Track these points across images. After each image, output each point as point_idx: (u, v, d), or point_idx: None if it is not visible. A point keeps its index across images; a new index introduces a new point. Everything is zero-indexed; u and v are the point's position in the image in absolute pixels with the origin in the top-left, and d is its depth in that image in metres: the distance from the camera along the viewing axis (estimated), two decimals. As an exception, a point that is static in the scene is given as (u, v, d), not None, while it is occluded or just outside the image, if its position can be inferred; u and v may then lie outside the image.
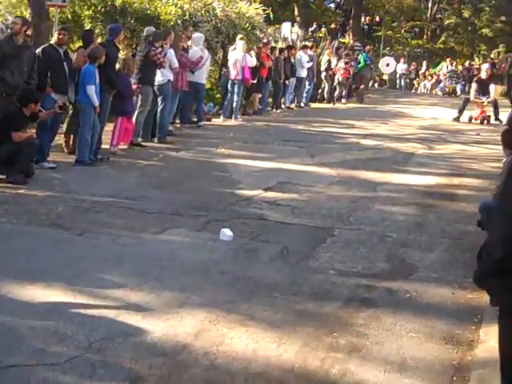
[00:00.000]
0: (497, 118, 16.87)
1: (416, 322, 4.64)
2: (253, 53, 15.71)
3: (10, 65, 8.65)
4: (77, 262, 5.45)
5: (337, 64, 21.25)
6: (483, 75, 17.79)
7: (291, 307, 4.80)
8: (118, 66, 10.46)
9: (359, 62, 23.08)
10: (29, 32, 10.14)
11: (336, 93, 21.17)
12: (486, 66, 19.27)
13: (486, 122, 17.05)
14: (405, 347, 4.23)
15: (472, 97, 17.53)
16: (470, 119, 17.34)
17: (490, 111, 17.21)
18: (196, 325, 4.38)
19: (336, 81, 21.21)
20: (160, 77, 11.46)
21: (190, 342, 4.12)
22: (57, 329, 4.16)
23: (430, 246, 6.37)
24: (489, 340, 4.24)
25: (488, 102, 17.23)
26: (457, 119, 17.39)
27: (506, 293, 2.84)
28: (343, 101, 21.26)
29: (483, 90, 17.44)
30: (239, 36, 15.66)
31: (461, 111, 17.45)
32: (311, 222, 7.05)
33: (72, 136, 10.10)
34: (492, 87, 18.04)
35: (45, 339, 4.00)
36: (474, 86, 17.91)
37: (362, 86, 22.68)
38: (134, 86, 10.75)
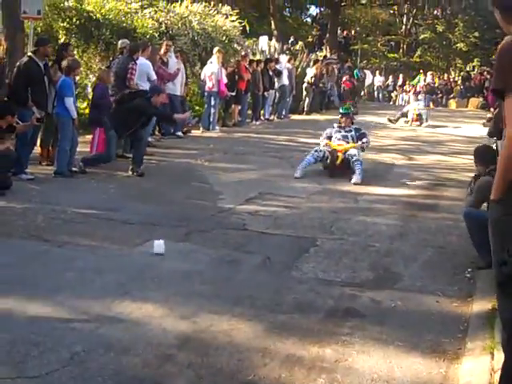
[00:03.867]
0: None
1: (402, 330, 4.61)
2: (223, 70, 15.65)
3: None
4: (57, 274, 5.35)
5: (321, 77, 21.93)
6: None
7: (275, 317, 4.74)
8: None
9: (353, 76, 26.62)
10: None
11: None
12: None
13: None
14: (391, 356, 4.19)
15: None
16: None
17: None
18: (179, 336, 4.31)
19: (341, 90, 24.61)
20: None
21: (173, 353, 4.05)
22: (37, 342, 4.05)
23: (413, 256, 6.35)
24: (475, 348, 4.22)
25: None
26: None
27: None
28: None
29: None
30: (216, 49, 15.67)
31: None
32: (293, 232, 7.01)
33: (50, 148, 10.01)
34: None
35: (25, 352, 3.90)
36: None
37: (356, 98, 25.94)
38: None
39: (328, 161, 10.27)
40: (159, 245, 6.01)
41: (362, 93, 30.64)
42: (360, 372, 3.96)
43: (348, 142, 10.60)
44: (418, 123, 19.22)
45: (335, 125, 11.22)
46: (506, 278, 3.09)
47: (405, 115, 19.80)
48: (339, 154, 10.18)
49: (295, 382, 3.79)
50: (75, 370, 3.74)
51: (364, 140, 10.78)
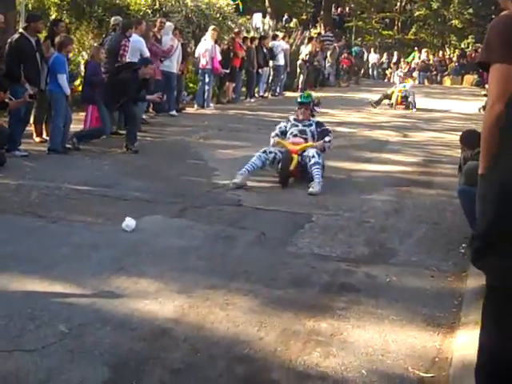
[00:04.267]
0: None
1: (397, 305, 4.63)
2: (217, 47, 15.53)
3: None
4: (52, 250, 5.35)
5: (316, 54, 21.95)
6: None
7: (271, 292, 4.75)
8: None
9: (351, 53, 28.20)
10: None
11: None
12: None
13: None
14: (386, 330, 4.21)
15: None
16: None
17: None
18: (176, 310, 4.32)
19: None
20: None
21: (170, 327, 4.06)
22: (33, 316, 4.06)
23: (408, 231, 6.37)
24: (469, 322, 4.24)
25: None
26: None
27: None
28: (346, 84, 26.14)
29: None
30: (211, 27, 15.56)
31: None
32: (288, 208, 7.01)
33: (44, 125, 9.97)
34: None
35: (22, 326, 3.91)
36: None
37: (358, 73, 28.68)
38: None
39: (280, 165, 8.14)
40: (129, 223, 5.96)
41: (363, 71, 30.67)
42: (355, 346, 3.98)
43: (306, 139, 8.52)
44: (402, 107, 17.46)
45: (291, 117, 8.98)
46: (475, 254, 3.07)
47: (388, 97, 17.83)
48: (294, 156, 8.08)
49: (291, 355, 3.81)
50: (71, 343, 3.75)
51: (326, 139, 8.59)
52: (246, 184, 7.78)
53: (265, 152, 8.15)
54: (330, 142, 8.65)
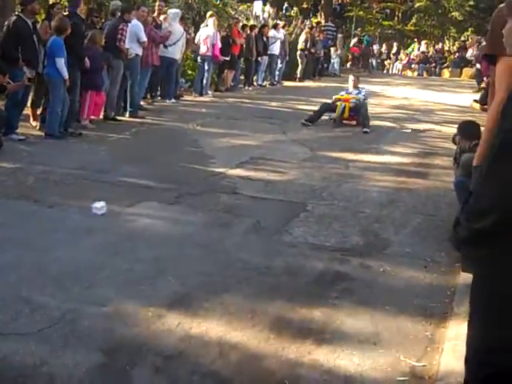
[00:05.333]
0: None
1: (390, 295, 4.65)
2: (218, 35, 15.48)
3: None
4: (47, 235, 5.37)
5: (315, 43, 21.96)
6: None
7: (265, 280, 4.78)
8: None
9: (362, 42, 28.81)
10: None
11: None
12: None
13: None
14: (379, 319, 4.24)
15: None
16: None
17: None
18: (170, 296, 4.34)
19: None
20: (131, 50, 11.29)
21: (164, 313, 4.08)
22: (28, 300, 4.08)
23: (403, 222, 6.38)
24: (461, 313, 4.26)
25: None
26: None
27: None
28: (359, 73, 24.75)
29: None
30: (209, 13, 15.51)
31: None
32: (284, 196, 7.03)
33: (41, 109, 9.95)
34: None
35: (16, 310, 3.93)
36: None
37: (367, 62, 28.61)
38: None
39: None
40: (99, 206, 5.99)
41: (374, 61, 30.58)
42: (348, 334, 4.01)
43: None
44: (352, 122, 12.10)
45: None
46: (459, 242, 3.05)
47: (330, 109, 12.15)
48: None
49: (283, 343, 3.84)
50: (66, 327, 3.78)
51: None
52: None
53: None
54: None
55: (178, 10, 14.09)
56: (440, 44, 33.34)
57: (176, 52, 13.52)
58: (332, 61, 24.96)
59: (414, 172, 8.71)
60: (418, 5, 39.13)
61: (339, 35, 25.18)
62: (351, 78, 12.95)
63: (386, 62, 31.35)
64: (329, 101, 12.42)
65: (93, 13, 11.52)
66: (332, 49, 25.14)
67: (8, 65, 8.66)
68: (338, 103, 12.04)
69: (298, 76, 21.16)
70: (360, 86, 12.88)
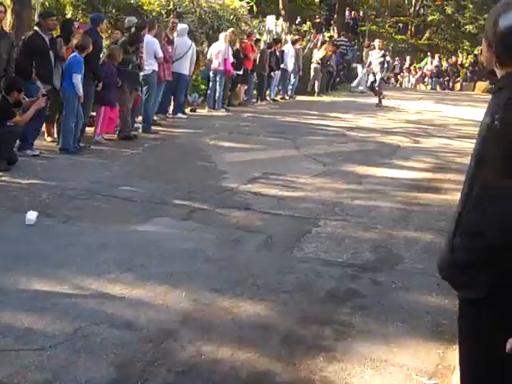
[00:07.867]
0: None
1: (402, 311, 4.65)
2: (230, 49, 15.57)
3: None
4: (61, 250, 5.41)
5: (329, 58, 22.02)
6: None
7: (276, 296, 4.78)
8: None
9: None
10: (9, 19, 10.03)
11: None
12: None
13: None
14: (391, 336, 4.24)
15: None
16: None
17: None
18: (182, 312, 4.36)
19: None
20: (145, 67, 11.39)
21: (175, 329, 4.10)
22: (41, 315, 4.12)
23: (415, 238, 6.38)
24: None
25: None
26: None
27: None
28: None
29: None
30: (231, 29, 15.59)
31: None
32: (296, 212, 7.04)
33: (55, 124, 10.03)
34: None
35: (29, 325, 3.96)
36: None
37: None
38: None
39: None
40: (30, 217, 6.00)
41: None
42: (359, 351, 4.01)
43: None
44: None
45: None
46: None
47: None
48: None
49: (295, 359, 3.85)
50: (78, 343, 3.80)
51: None
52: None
53: None
54: None
55: (185, 25, 14.15)
56: (453, 57, 33.28)
57: (183, 66, 13.54)
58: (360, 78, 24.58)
59: (426, 187, 8.70)
60: (430, 18, 39.18)
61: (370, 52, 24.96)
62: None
63: (398, 76, 31.35)
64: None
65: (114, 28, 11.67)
66: (358, 65, 25.07)
67: (22, 79, 8.75)
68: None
69: (317, 90, 21.19)
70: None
